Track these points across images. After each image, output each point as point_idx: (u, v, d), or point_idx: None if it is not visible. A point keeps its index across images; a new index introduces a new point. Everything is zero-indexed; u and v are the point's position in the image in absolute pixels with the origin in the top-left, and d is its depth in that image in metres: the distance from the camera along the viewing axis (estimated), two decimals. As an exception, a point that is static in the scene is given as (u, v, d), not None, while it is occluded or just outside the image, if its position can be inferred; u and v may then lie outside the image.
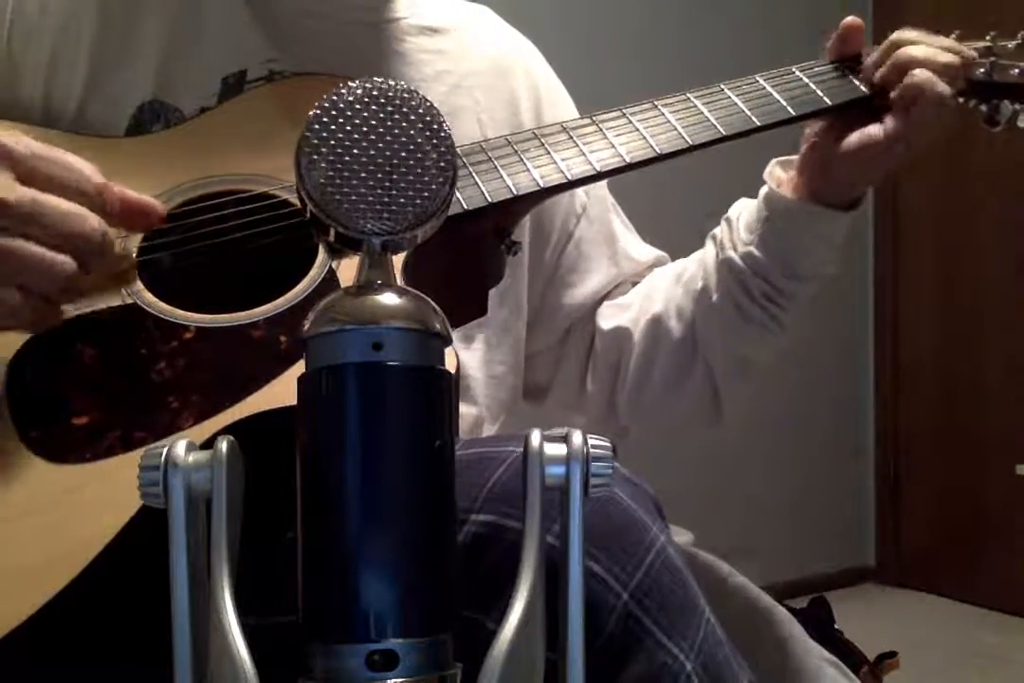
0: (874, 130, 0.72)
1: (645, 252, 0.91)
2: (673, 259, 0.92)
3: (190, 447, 0.34)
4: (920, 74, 0.70)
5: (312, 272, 0.60)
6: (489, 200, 0.64)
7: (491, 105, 0.81)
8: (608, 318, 0.87)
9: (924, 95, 0.70)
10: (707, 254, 0.82)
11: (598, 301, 0.88)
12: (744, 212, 0.79)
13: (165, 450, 0.33)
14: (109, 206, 0.57)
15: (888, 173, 0.75)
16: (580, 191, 0.86)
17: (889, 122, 0.71)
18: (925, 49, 0.72)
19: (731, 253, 0.78)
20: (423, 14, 0.82)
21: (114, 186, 0.58)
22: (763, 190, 0.78)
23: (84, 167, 0.57)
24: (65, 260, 0.54)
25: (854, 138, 0.72)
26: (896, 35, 0.74)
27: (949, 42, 0.74)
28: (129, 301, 0.59)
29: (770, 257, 0.76)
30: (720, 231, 0.81)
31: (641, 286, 0.88)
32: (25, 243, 0.53)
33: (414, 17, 0.81)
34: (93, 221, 0.55)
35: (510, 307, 0.82)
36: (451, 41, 0.82)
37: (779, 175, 0.78)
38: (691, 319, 0.82)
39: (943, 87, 0.70)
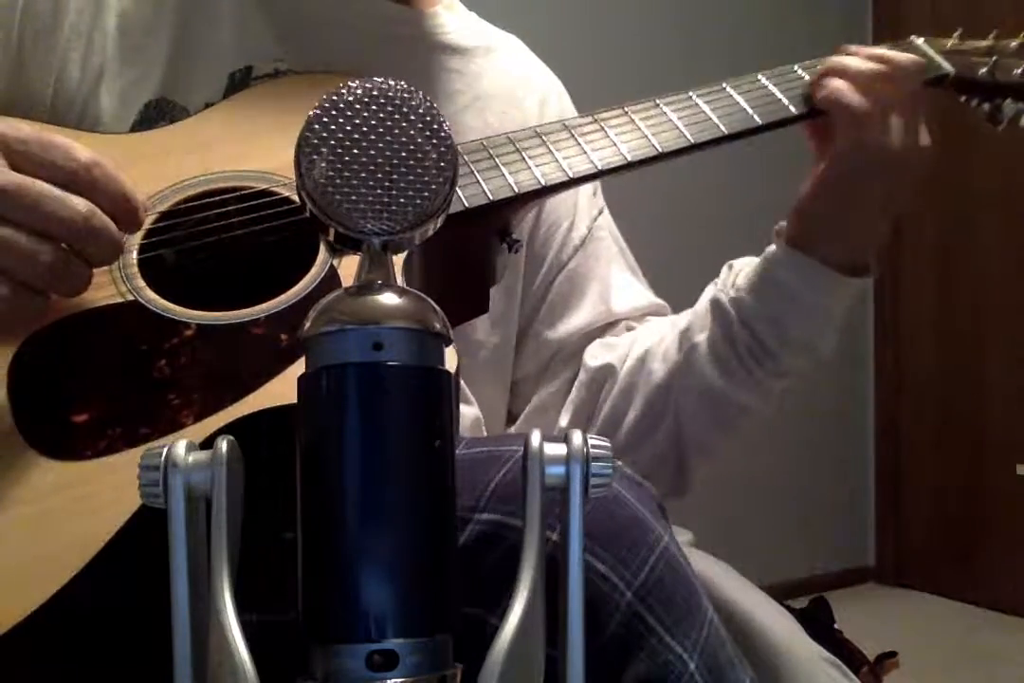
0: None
1: (641, 298, 0.87)
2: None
3: (190, 447, 0.34)
4: (830, 83, 0.68)
5: (313, 270, 0.60)
6: (490, 198, 0.64)
7: (502, 130, 0.77)
8: (596, 356, 0.83)
9: (835, 107, 0.68)
10: (703, 296, 0.79)
11: (583, 338, 0.84)
12: (749, 262, 0.77)
13: (165, 450, 0.33)
14: (99, 183, 0.55)
15: (845, 214, 0.71)
16: (582, 225, 0.85)
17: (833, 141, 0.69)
18: (855, 60, 0.69)
19: (721, 295, 0.75)
20: (450, 32, 0.81)
21: (106, 167, 0.55)
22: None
23: (73, 147, 0.54)
24: (47, 248, 0.52)
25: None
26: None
27: (884, 52, 0.71)
28: (130, 298, 0.59)
29: (760, 307, 0.73)
30: (721, 275, 0.78)
31: (639, 329, 0.85)
32: (7, 230, 0.51)
33: (439, 35, 0.80)
34: (77, 204, 0.53)
35: (508, 301, 0.81)
36: (470, 62, 0.81)
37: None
38: (673, 362, 0.78)
39: (853, 99, 0.67)
